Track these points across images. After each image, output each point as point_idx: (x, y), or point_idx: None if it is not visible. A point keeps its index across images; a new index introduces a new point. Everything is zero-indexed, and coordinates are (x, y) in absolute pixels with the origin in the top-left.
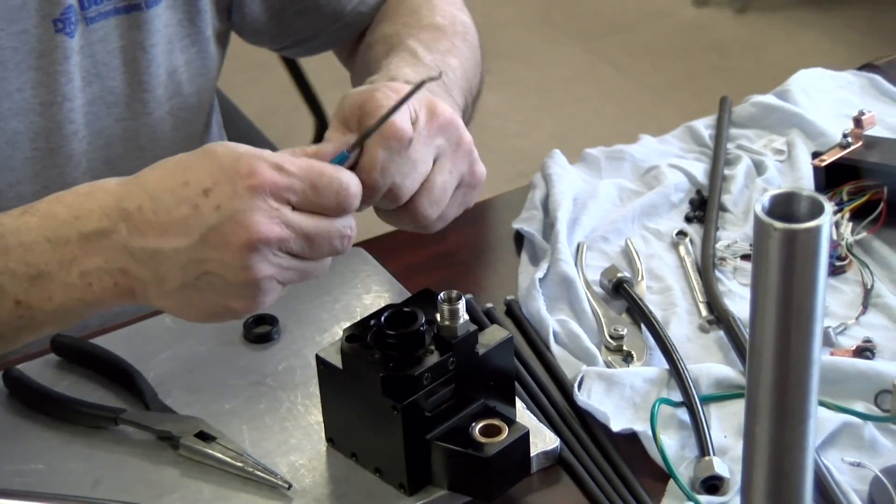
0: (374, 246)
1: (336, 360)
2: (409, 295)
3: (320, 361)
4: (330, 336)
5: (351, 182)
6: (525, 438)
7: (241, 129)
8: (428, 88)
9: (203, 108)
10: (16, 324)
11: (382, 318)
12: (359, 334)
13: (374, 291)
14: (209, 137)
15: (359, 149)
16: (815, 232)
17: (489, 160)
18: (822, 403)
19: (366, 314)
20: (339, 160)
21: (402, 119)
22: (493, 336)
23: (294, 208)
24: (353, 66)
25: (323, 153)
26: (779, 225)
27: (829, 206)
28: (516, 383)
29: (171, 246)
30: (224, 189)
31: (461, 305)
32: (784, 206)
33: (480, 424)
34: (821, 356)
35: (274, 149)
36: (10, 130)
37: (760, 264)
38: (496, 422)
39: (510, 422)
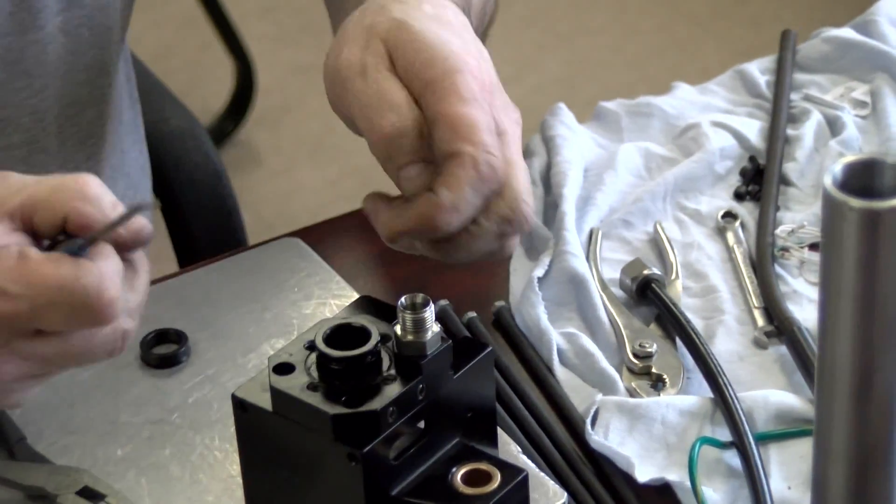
0: (314, 235)
1: (262, 399)
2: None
3: (239, 404)
4: (257, 357)
5: (104, 287)
6: (523, 485)
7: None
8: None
9: (106, 30)
10: None
11: (323, 338)
12: (291, 362)
13: (315, 297)
14: (112, 72)
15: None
16: None
17: None
18: None
19: (305, 326)
20: (72, 251)
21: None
22: (467, 352)
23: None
24: None
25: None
26: (856, 203)
27: None
28: (509, 419)
29: None
30: None
31: (428, 314)
32: (863, 178)
33: (463, 470)
34: None
35: (180, 111)
36: None
37: (832, 255)
38: (483, 465)
39: (501, 464)
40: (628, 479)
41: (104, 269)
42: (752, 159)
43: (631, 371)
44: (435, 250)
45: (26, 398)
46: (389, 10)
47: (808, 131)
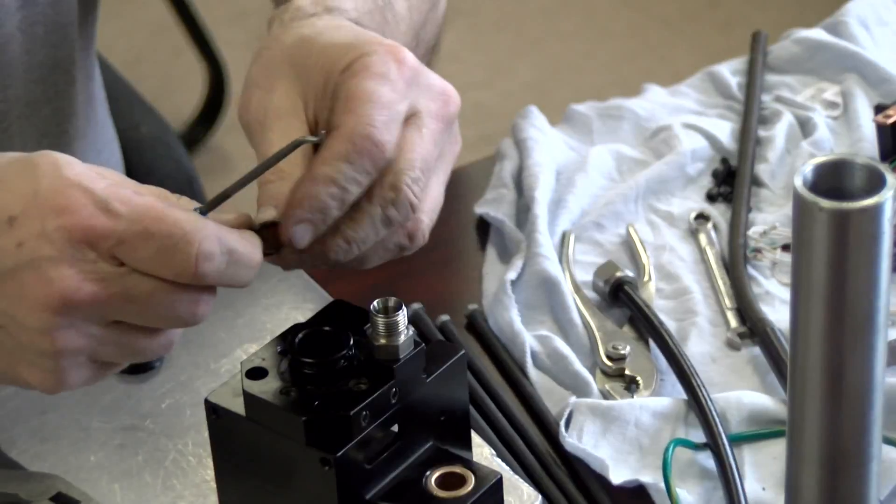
0: None
1: (235, 404)
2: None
3: (211, 409)
4: (230, 363)
5: (201, 240)
6: (498, 488)
7: (104, 85)
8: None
9: (62, 28)
10: None
11: (296, 342)
12: (264, 367)
13: (288, 302)
14: (72, 70)
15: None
16: (874, 212)
17: None
18: (887, 441)
19: (278, 331)
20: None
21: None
22: (440, 355)
23: (124, 263)
24: None
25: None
26: (825, 203)
27: (892, 179)
28: (482, 422)
29: None
30: (32, 223)
31: (401, 317)
32: (833, 178)
33: (437, 474)
34: (885, 378)
35: (152, 117)
36: None
37: (802, 256)
38: (457, 468)
39: (475, 467)
40: (602, 481)
41: (213, 228)
42: (723, 161)
43: (604, 373)
44: (323, 253)
45: (73, 382)
46: (283, 40)
47: (779, 132)
